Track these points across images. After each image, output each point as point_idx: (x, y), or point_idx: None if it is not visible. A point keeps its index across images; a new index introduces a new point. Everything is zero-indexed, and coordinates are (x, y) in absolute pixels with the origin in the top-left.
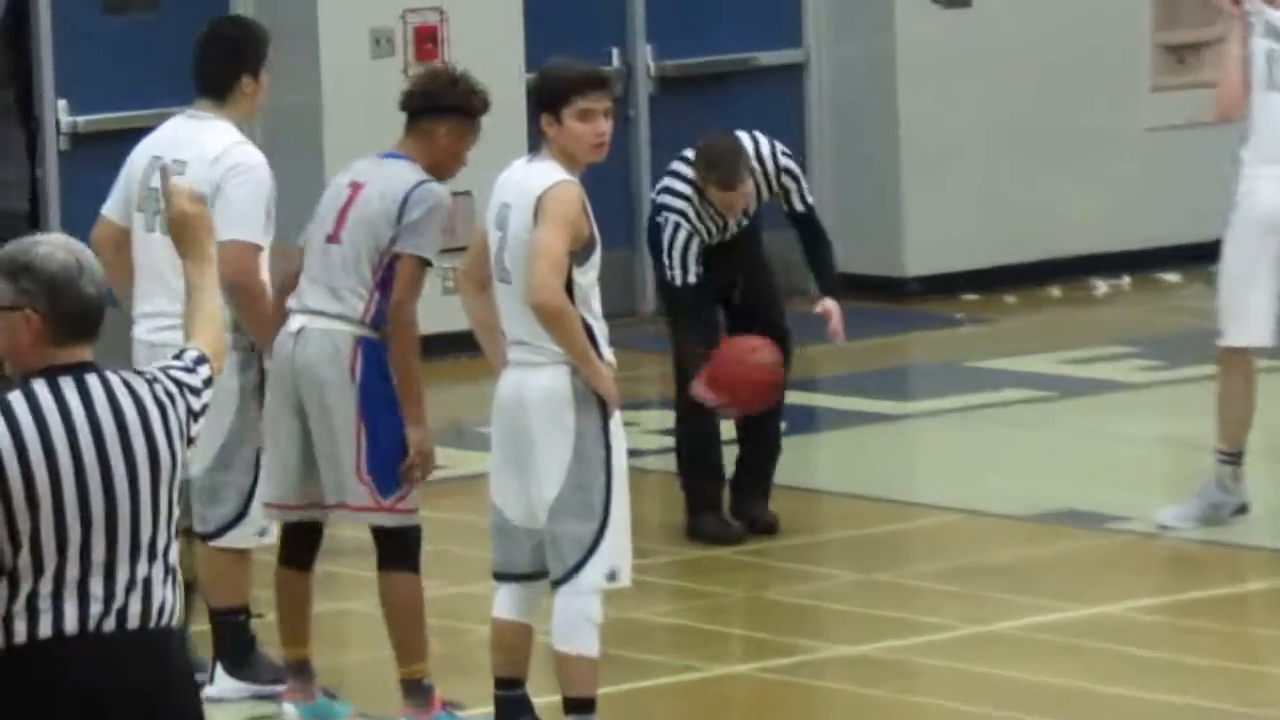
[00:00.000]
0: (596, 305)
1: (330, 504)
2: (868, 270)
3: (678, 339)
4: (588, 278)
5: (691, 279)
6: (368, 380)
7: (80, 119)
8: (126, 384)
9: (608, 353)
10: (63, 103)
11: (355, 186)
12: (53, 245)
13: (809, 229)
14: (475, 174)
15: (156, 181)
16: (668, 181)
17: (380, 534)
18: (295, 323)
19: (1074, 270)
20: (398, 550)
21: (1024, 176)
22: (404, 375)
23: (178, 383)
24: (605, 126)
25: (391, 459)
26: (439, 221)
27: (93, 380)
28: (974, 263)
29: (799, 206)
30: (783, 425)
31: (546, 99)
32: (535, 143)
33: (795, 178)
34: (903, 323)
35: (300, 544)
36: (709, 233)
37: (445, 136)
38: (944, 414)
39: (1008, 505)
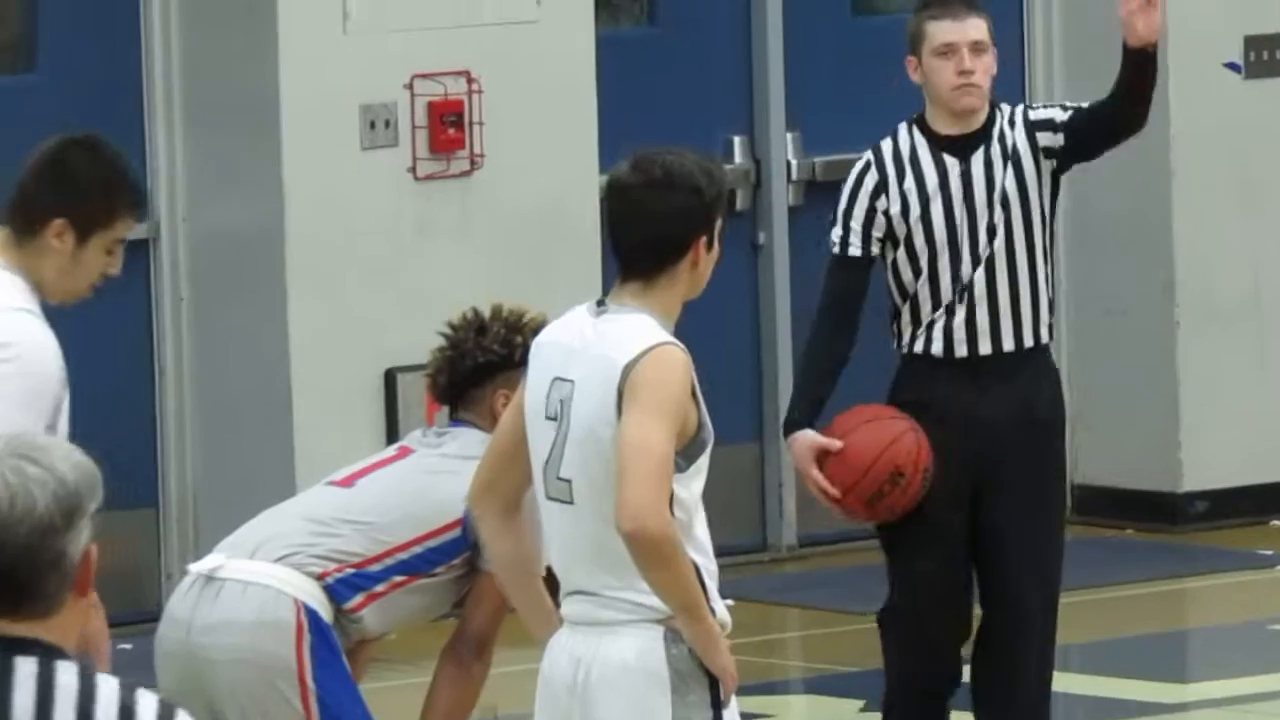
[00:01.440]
0: (704, 532)
1: None
2: (1126, 482)
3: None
4: (692, 489)
5: (855, 249)
6: (322, 661)
7: None
8: (84, 680)
9: (720, 607)
10: None
11: (404, 450)
12: None
13: (1094, 106)
14: None
15: None
16: None
17: None
18: (206, 563)
19: None
20: None
21: None
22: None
23: None
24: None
25: None
26: None
27: (25, 666)
28: None
29: (1063, 115)
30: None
31: (710, 209)
32: (610, 280)
33: (1047, 110)
34: (1181, 561)
35: None
36: (902, 204)
37: (506, 405)
38: (1248, 702)
39: None
